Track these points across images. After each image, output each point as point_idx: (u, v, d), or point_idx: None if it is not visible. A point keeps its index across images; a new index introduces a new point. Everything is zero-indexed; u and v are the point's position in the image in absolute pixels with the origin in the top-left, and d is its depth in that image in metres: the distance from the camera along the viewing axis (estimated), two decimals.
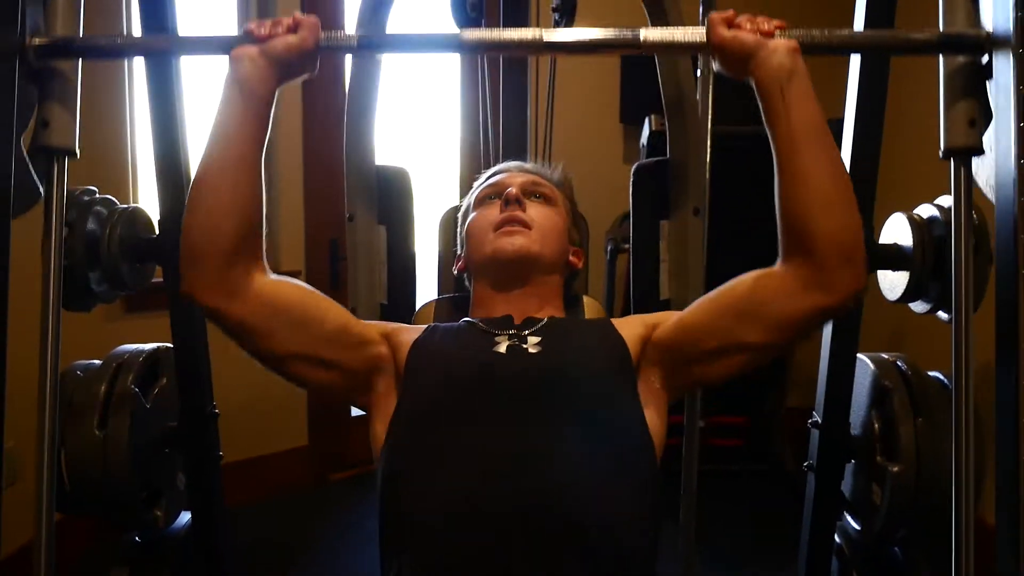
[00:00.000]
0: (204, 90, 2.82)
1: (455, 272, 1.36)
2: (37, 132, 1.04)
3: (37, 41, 1.02)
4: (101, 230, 1.43)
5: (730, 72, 1.04)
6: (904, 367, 1.47)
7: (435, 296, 1.51)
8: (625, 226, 1.68)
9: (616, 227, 3.20)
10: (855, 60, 1.41)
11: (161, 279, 1.60)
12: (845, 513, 1.59)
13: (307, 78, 1.05)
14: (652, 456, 1.06)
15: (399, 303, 1.51)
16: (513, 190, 1.24)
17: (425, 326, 1.20)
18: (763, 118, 1.02)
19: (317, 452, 3.22)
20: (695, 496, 1.60)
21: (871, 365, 1.48)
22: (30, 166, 1.04)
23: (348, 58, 1.54)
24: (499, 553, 0.93)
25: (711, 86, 1.49)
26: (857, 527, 1.54)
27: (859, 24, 1.36)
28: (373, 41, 1.14)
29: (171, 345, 1.58)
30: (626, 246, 1.57)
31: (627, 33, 1.04)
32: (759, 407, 3.34)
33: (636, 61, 3.48)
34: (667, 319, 1.15)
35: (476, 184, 1.37)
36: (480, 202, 1.31)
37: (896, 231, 1.42)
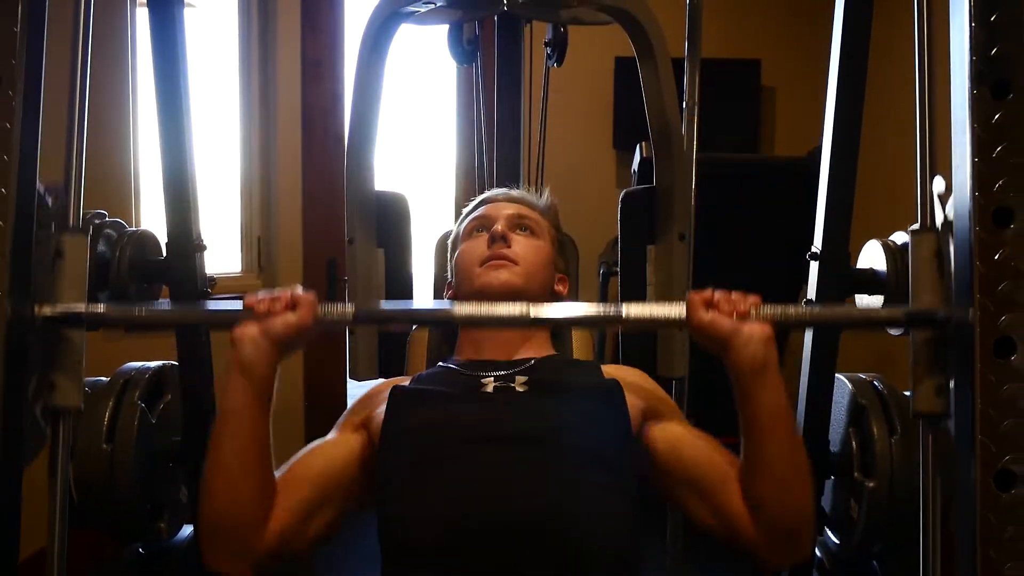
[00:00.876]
0: (208, 108, 2.90)
1: (446, 299, 1.41)
2: (44, 392, 1.03)
3: (47, 311, 1.01)
4: (111, 252, 1.49)
5: (707, 349, 1.06)
6: (880, 387, 1.53)
7: None
8: (617, 249, 1.75)
9: (608, 250, 3.27)
10: (832, 89, 1.48)
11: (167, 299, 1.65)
12: (825, 528, 1.64)
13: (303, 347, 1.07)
14: (634, 481, 1.12)
15: None
16: (499, 227, 1.29)
17: (410, 378, 1.25)
18: (734, 397, 1.05)
19: None
20: (682, 516, 1.66)
21: (849, 385, 1.55)
22: (37, 414, 1.05)
23: (349, 83, 1.61)
24: (493, 568, 0.98)
25: (696, 118, 1.57)
26: (837, 541, 1.60)
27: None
28: (368, 314, 1.15)
29: (175, 363, 1.64)
30: (617, 269, 1.64)
31: (611, 309, 1.06)
32: None
33: (629, 90, 3.57)
34: (666, 414, 1.19)
35: (464, 212, 1.42)
36: (468, 235, 1.36)
37: (872, 257, 1.49)
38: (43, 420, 1.05)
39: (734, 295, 1.04)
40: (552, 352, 1.32)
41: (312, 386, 3.27)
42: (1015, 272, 0.94)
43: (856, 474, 1.50)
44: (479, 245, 1.31)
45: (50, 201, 1.05)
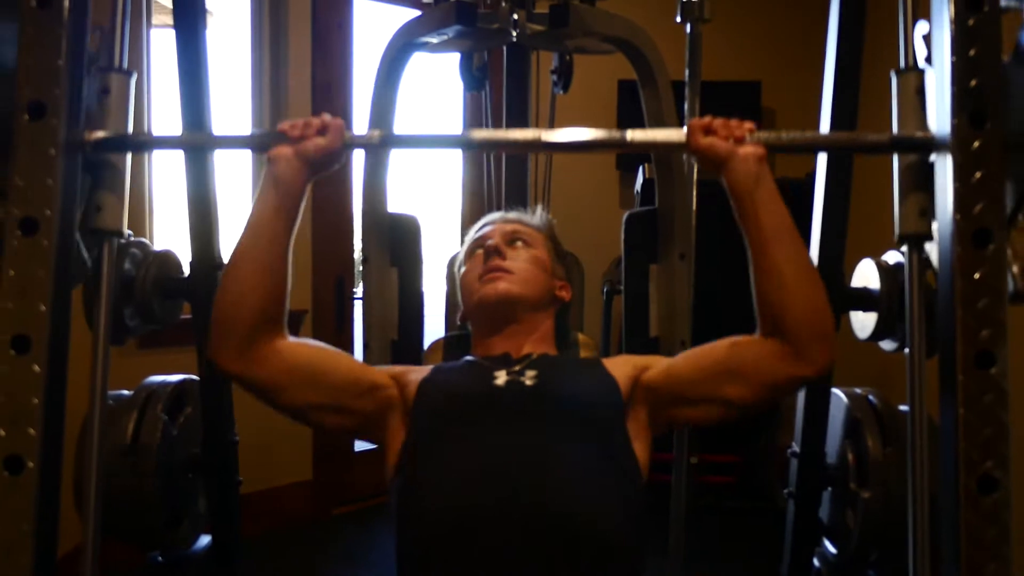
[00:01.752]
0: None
1: (459, 322, 1.48)
2: (89, 216, 1.13)
3: (94, 136, 1.11)
4: (136, 270, 1.55)
5: (706, 170, 1.15)
6: (874, 400, 1.58)
7: (443, 333, 1.63)
8: (620, 269, 1.81)
9: (612, 270, 3.33)
10: (826, 113, 1.55)
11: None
12: (823, 538, 1.70)
13: (334, 170, 1.18)
14: (638, 470, 1.19)
15: (409, 339, 1.64)
16: (492, 241, 1.36)
17: (432, 366, 1.32)
18: (736, 216, 1.14)
19: (321, 486, 3.31)
20: (683, 521, 1.71)
21: (844, 399, 1.60)
22: (80, 243, 1.14)
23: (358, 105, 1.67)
24: (502, 552, 1.04)
25: None
26: (834, 551, 1.65)
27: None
28: (392, 138, 1.24)
29: (195, 377, 1.70)
30: (621, 287, 1.70)
31: (615, 134, 1.16)
32: (751, 445, 3.44)
33: (632, 111, 3.66)
34: (655, 363, 1.27)
35: (467, 237, 1.49)
36: (469, 256, 1.44)
37: (865, 275, 1.55)
38: (88, 252, 1.15)
39: (732, 121, 1.13)
40: (555, 351, 1.39)
41: None
42: (994, 290, 1.00)
43: (852, 485, 1.55)
44: (478, 263, 1.38)
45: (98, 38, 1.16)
